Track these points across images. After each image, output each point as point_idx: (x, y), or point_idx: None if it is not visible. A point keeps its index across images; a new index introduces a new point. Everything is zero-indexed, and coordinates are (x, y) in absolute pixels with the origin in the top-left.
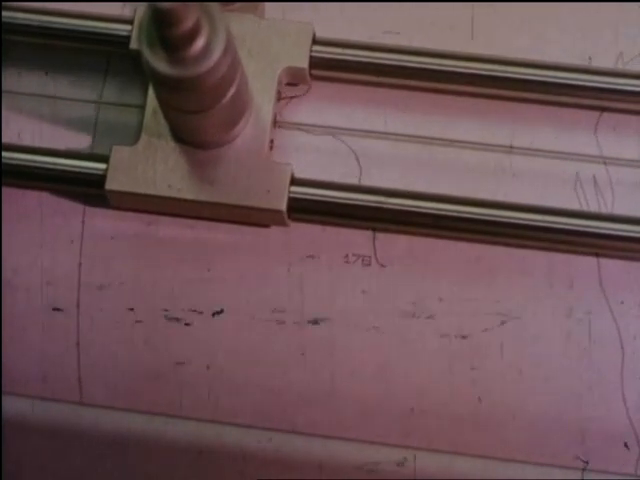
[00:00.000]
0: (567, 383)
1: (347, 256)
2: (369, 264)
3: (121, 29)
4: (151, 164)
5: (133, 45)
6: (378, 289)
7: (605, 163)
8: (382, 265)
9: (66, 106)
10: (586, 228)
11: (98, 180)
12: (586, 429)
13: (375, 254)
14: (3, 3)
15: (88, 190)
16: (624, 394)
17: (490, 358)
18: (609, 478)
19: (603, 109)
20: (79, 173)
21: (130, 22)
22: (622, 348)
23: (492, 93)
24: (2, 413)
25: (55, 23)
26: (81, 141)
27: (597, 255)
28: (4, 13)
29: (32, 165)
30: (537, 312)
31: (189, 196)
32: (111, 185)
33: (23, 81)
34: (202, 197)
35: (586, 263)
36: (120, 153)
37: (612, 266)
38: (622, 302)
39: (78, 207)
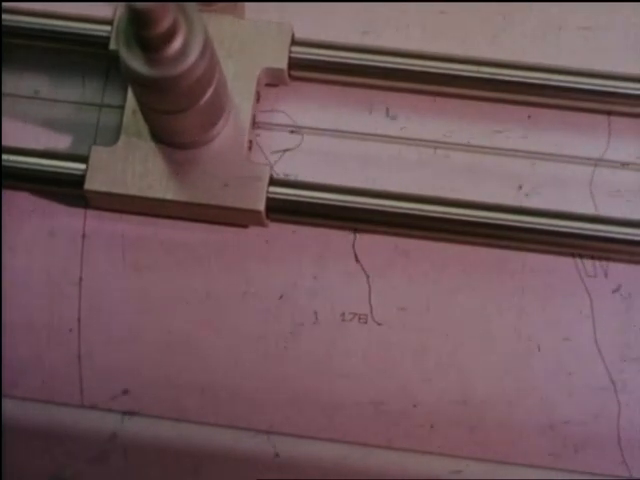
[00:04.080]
0: None
1: (343, 314)
2: (365, 322)
3: (101, 30)
4: (130, 164)
5: (112, 46)
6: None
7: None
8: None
9: (66, 109)
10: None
11: (78, 180)
12: None
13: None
14: None
15: (68, 191)
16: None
17: None
18: (604, 478)
19: (610, 112)
20: (58, 173)
21: (110, 23)
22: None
23: (477, 95)
24: (2, 414)
25: (35, 24)
26: (82, 144)
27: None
28: None
29: (10, 165)
30: None
31: (167, 196)
32: (90, 185)
33: (22, 83)
34: (180, 197)
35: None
36: (99, 153)
37: None
38: None
39: (79, 206)
